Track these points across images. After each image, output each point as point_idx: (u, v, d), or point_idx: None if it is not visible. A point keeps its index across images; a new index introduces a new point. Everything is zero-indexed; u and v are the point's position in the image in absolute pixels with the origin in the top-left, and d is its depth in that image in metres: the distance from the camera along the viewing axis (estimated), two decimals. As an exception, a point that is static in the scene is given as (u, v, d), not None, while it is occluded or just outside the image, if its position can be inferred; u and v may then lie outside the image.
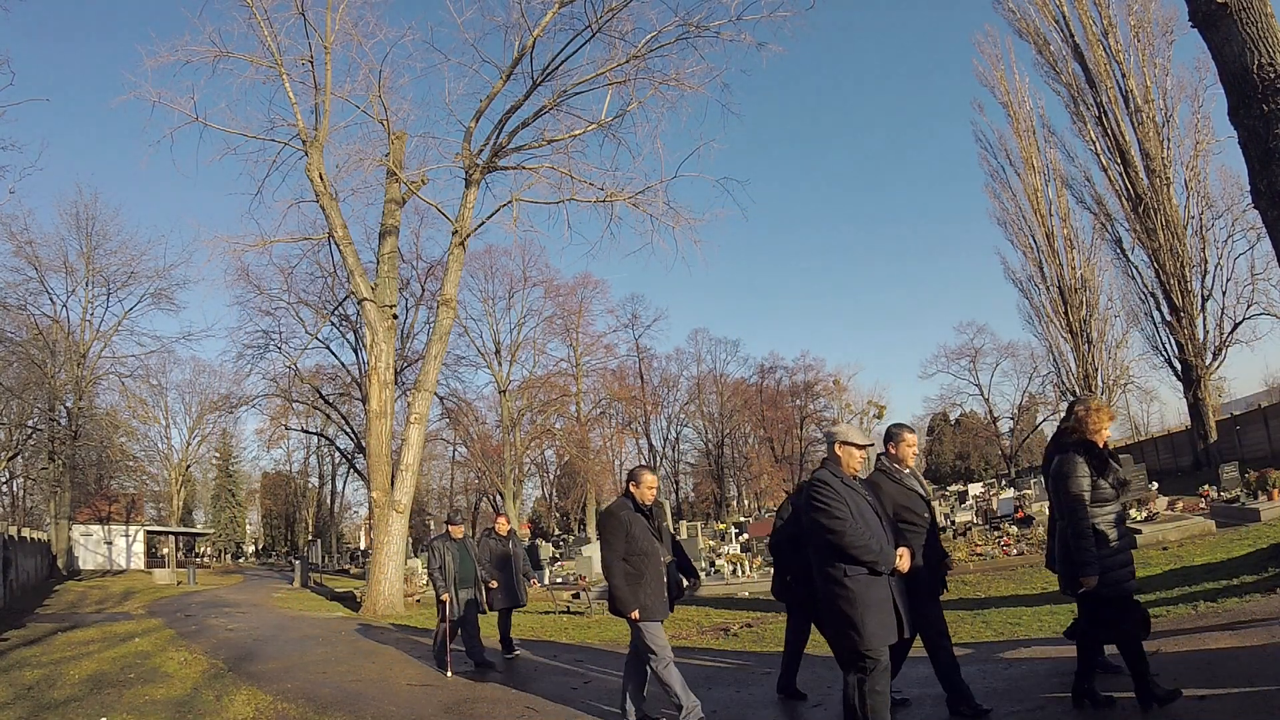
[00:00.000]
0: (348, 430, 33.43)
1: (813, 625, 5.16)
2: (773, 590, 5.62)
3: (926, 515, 4.45)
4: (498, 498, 40.47)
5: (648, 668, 4.76)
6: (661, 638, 4.71)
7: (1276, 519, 10.89)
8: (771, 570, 6.06)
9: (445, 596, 7.54)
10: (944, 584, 4.57)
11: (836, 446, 3.99)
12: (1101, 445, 4.03)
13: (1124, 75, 24.60)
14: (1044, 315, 29.68)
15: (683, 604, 11.84)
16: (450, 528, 8.15)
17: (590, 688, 6.30)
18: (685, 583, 5.28)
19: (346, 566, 36.88)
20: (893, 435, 4.66)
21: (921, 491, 4.56)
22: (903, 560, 3.84)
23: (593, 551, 19.50)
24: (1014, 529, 13.67)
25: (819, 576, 3.81)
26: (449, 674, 7.24)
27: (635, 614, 4.66)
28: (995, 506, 19.64)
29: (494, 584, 8.13)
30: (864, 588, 3.64)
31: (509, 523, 8.90)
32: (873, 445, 4.23)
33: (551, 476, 49.62)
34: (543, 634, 10.13)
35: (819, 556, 3.80)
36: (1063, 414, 4.68)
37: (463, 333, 37.51)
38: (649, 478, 5.01)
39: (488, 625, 8.36)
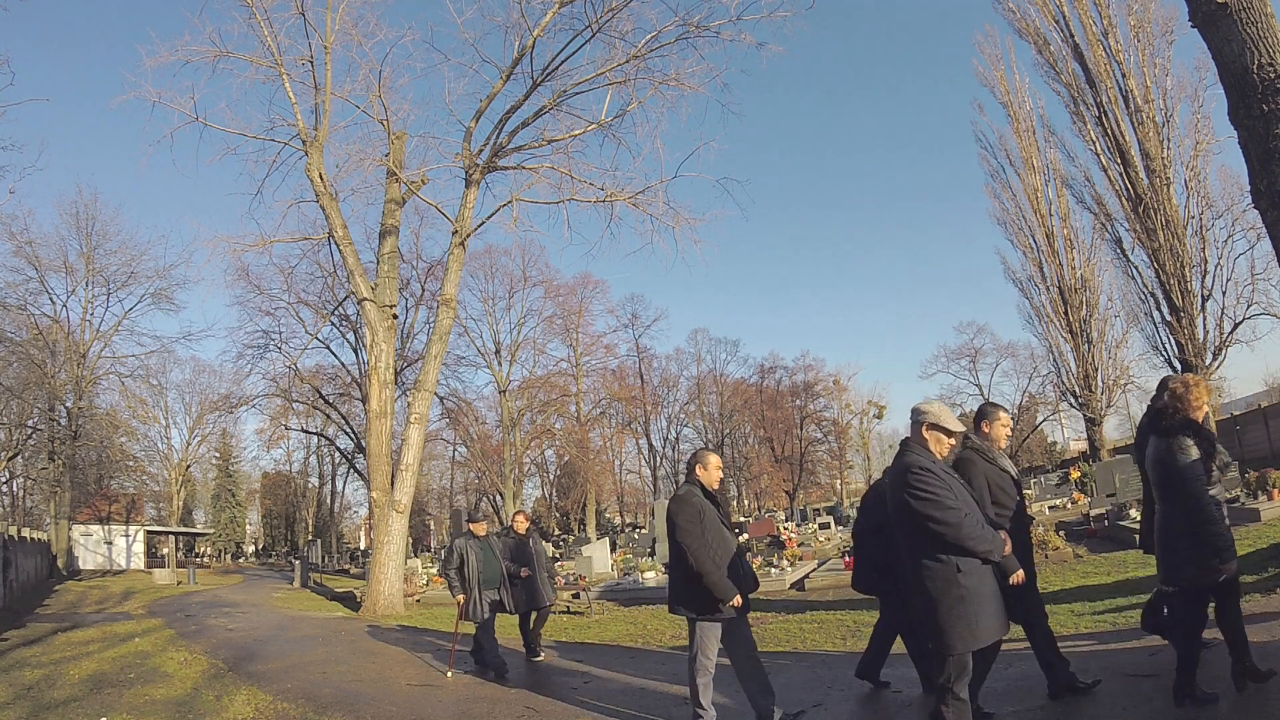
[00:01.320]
0: (348, 430, 33.44)
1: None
2: (854, 583, 5.37)
3: (1017, 498, 4.21)
4: (498, 498, 40.48)
5: (690, 664, 4.49)
6: (714, 645, 4.43)
7: (1276, 519, 10.88)
8: (849, 562, 5.92)
9: (460, 598, 7.30)
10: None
11: (925, 429, 3.65)
12: (1201, 421, 3.79)
13: (1124, 75, 24.59)
14: (1044, 315, 29.65)
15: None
16: (472, 525, 7.86)
17: (590, 688, 6.30)
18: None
19: (346, 566, 36.89)
20: (987, 414, 4.35)
21: (1013, 473, 4.32)
22: (1006, 546, 3.58)
23: (593, 551, 19.50)
24: (1014, 529, 13.64)
25: (919, 570, 3.50)
26: (449, 674, 7.14)
27: (738, 600, 4.33)
28: (995, 506, 19.64)
29: (525, 572, 7.81)
30: (977, 581, 3.39)
31: (528, 520, 8.65)
32: (964, 431, 3.96)
33: (551, 476, 49.63)
34: (542, 634, 10.11)
35: (921, 548, 3.47)
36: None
37: (463, 333, 37.57)
38: (715, 459, 4.66)
39: (507, 627, 8.14)
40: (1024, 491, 4.65)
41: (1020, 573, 3.75)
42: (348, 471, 44.94)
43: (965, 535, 3.35)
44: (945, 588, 3.38)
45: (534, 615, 8.09)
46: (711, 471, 4.58)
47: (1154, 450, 3.85)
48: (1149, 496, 4.12)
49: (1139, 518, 12.24)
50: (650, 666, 6.94)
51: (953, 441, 3.69)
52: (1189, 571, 3.67)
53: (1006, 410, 4.48)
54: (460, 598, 7.30)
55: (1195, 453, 3.66)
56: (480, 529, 7.79)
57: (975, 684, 3.60)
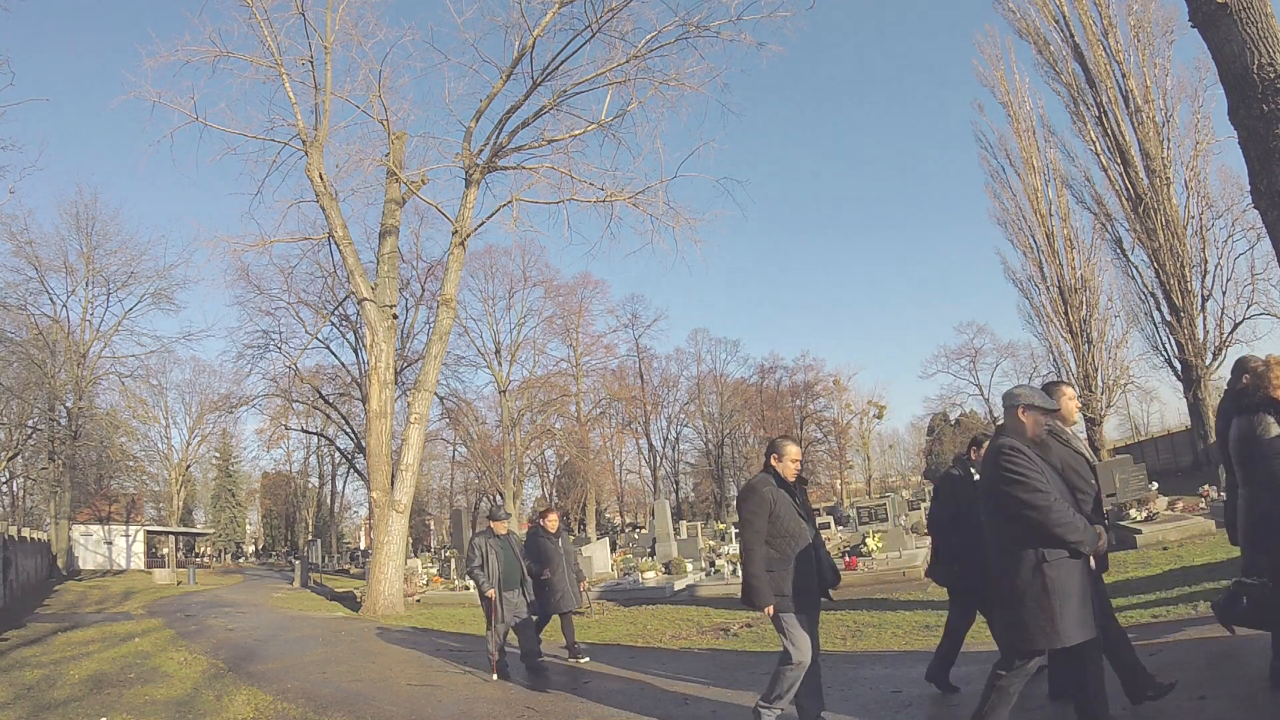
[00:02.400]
0: (348, 430, 33.45)
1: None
2: (928, 573, 5.15)
3: (1094, 482, 3.93)
4: (498, 498, 40.48)
5: (779, 663, 4.20)
6: (803, 637, 4.14)
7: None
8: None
9: (491, 593, 7.02)
10: (1105, 563, 4.10)
11: (1020, 411, 3.46)
12: None
13: (1124, 75, 24.61)
14: (1044, 315, 29.65)
15: (682, 604, 11.91)
16: (493, 523, 7.52)
17: (590, 687, 6.29)
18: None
19: (346, 566, 36.91)
20: (1051, 391, 4.06)
21: (1088, 455, 4.08)
22: (1102, 540, 3.35)
23: (593, 551, 19.49)
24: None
25: (1003, 559, 3.30)
26: (494, 676, 6.83)
27: (770, 609, 4.12)
28: (995, 506, 19.63)
29: (546, 574, 7.53)
30: (1064, 574, 3.16)
31: (558, 518, 8.27)
32: (1058, 410, 3.76)
33: (551, 476, 49.61)
34: (542, 635, 10.12)
35: (1008, 536, 3.28)
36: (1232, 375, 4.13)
37: (463, 333, 37.58)
38: (793, 449, 4.44)
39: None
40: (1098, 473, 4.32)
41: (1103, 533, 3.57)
42: (348, 471, 44.97)
43: (1054, 521, 3.14)
44: (1030, 578, 3.18)
45: (557, 619, 7.83)
46: (787, 463, 4.37)
47: (1237, 429, 3.75)
48: (1233, 483, 3.97)
49: (1139, 518, 12.25)
50: (651, 666, 6.94)
51: (1049, 421, 3.50)
52: (1261, 563, 3.49)
53: (1071, 385, 4.29)
54: (491, 592, 7.01)
55: (1276, 429, 3.57)
56: (502, 527, 7.49)
57: (1097, 686, 3.35)
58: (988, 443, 3.68)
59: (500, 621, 7.02)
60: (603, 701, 5.71)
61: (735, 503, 4.84)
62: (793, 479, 4.38)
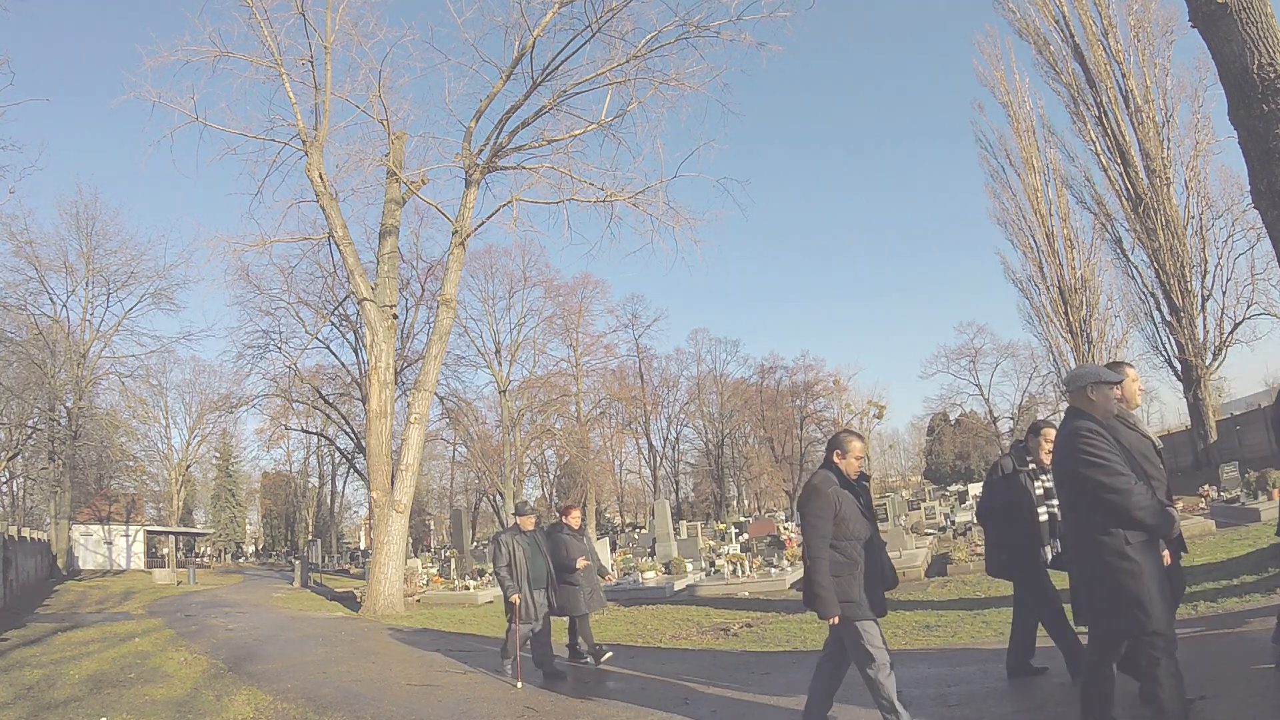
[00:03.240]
0: (348, 430, 33.46)
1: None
2: (989, 568, 5.01)
3: (1161, 466, 3.83)
4: (498, 497, 40.48)
5: (866, 672, 3.98)
6: (879, 638, 3.98)
7: (1276, 519, 10.87)
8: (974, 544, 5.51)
9: (515, 598, 6.77)
10: (1184, 544, 4.01)
11: (1089, 390, 3.33)
12: None
13: (1124, 75, 24.61)
14: (1044, 315, 29.70)
15: (682, 604, 11.90)
16: (520, 519, 7.27)
17: (590, 687, 6.29)
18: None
19: (346, 566, 36.91)
20: (1117, 370, 3.84)
21: (1155, 440, 3.98)
22: (1177, 524, 3.27)
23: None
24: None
25: (1085, 544, 3.21)
26: (519, 685, 6.51)
27: (834, 619, 3.93)
28: (995, 506, 19.64)
29: (583, 562, 7.24)
30: (1146, 557, 3.10)
31: (581, 515, 8.01)
32: (1123, 381, 3.65)
33: (551, 476, 49.63)
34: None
35: (1089, 521, 3.18)
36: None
37: (463, 333, 37.60)
38: (857, 445, 4.19)
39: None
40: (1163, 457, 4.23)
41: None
42: (348, 471, 45.00)
43: (1135, 504, 3.05)
44: (1115, 563, 3.10)
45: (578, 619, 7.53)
46: (851, 460, 4.13)
47: None
48: None
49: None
50: (651, 666, 6.94)
51: (1119, 393, 3.41)
52: None
53: (1133, 366, 4.13)
54: (515, 597, 6.79)
55: None
56: (529, 523, 7.24)
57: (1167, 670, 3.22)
58: (1054, 429, 3.57)
59: (524, 623, 6.80)
60: (603, 701, 5.71)
61: (796, 504, 4.51)
62: (855, 476, 4.16)
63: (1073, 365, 29.03)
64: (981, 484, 5.27)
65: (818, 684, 4.30)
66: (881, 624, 4.08)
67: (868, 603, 3.94)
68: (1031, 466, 4.78)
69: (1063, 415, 3.62)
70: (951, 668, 5.50)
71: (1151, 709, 3.54)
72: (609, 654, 7.24)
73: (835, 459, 4.16)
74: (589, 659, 7.24)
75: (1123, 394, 3.79)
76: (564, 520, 7.71)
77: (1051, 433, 4.64)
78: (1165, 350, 25.80)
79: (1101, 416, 3.32)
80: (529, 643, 7.00)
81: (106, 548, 34.96)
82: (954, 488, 35.86)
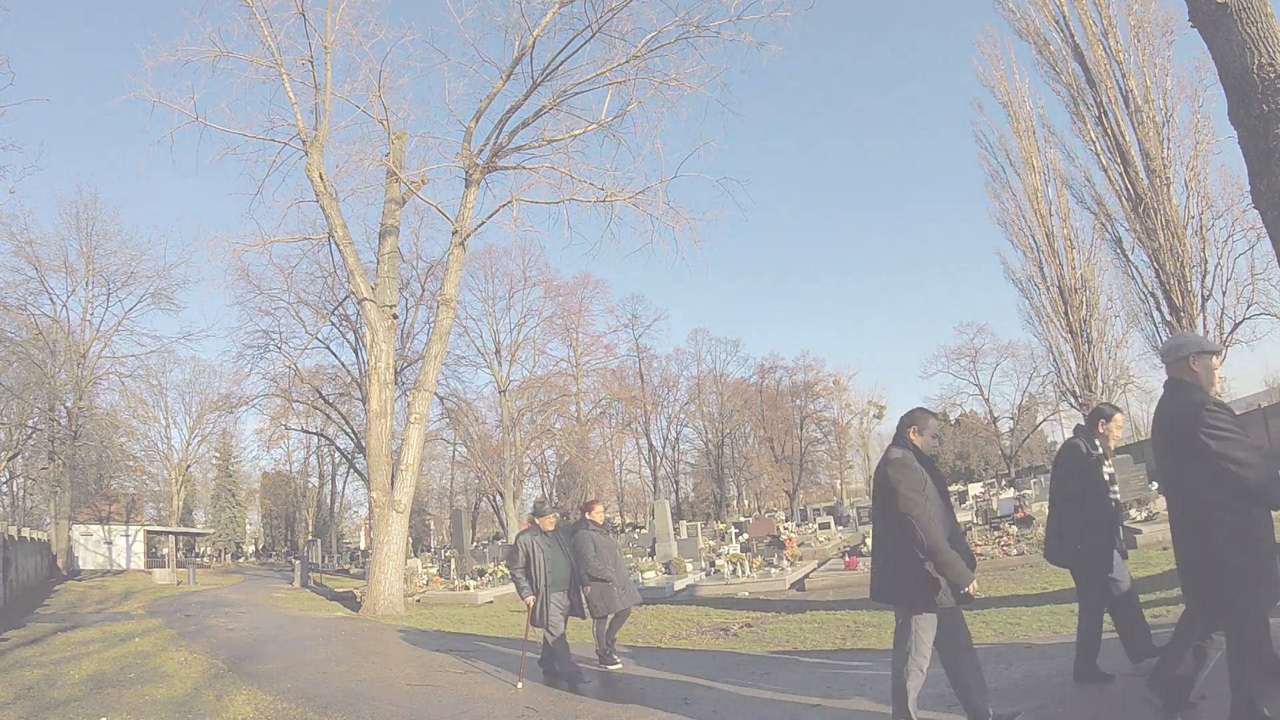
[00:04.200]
0: (348, 430, 33.46)
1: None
2: (1049, 555, 4.84)
3: None
4: (498, 498, 40.49)
5: (899, 665, 3.87)
6: (931, 641, 3.81)
7: (1276, 519, 10.86)
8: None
9: (530, 600, 6.67)
10: None
11: (1191, 360, 3.25)
12: None
13: (1124, 75, 24.59)
14: (1044, 315, 29.65)
15: (682, 604, 11.90)
16: (539, 520, 7.06)
17: (590, 687, 6.29)
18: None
19: (346, 566, 36.92)
20: (1195, 351, 3.62)
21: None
22: None
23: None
24: (1014, 529, 13.67)
25: (1209, 525, 3.11)
26: (519, 685, 6.42)
27: (974, 586, 3.68)
28: (995, 506, 19.70)
29: (610, 575, 6.96)
30: (1270, 533, 3.05)
31: (603, 509, 7.77)
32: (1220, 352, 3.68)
33: (551, 476, 49.64)
34: (529, 634, 10.12)
35: (1214, 497, 3.08)
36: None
37: (463, 333, 37.62)
38: (934, 422, 4.05)
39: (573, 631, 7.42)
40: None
41: None
42: (348, 471, 44.99)
43: (1266, 478, 2.97)
44: (1245, 543, 3.01)
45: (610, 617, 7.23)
46: (928, 437, 3.98)
47: None
48: None
49: (1139, 518, 12.26)
50: (651, 666, 6.94)
51: (1217, 363, 3.32)
52: None
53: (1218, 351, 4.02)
54: (530, 600, 6.67)
55: None
56: (549, 523, 7.06)
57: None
58: (1122, 413, 3.51)
59: (547, 626, 6.64)
60: (603, 701, 5.71)
61: (878, 481, 3.92)
62: (930, 454, 4.01)
63: (1073, 365, 29.05)
64: (1053, 466, 4.90)
65: (965, 674, 3.93)
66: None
67: (948, 591, 3.68)
68: (1099, 451, 4.67)
69: (1163, 388, 3.51)
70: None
71: (1158, 693, 3.49)
72: (619, 665, 6.97)
73: (912, 436, 4.00)
74: (602, 661, 7.02)
75: (1205, 378, 3.57)
76: (587, 516, 7.44)
77: (1121, 418, 4.69)
78: (1165, 350, 25.78)
79: (1206, 387, 3.24)
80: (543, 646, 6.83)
81: (106, 548, 34.97)
82: (954, 488, 35.76)
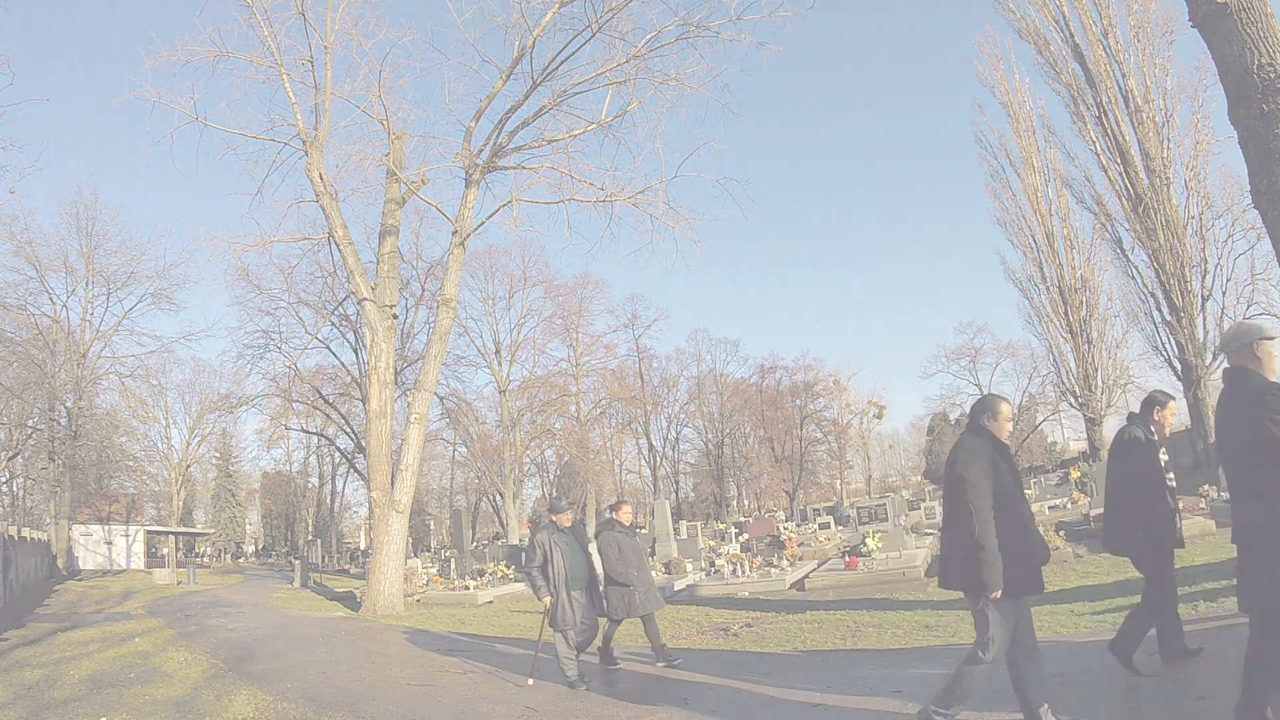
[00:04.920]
0: (348, 430, 33.46)
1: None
2: (1107, 545, 4.76)
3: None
4: (498, 498, 40.49)
5: (974, 653, 3.70)
6: (1006, 634, 3.64)
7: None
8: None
9: (547, 600, 6.48)
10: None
11: (1255, 346, 3.21)
12: None
13: (1124, 75, 24.61)
14: (1044, 315, 29.71)
15: (682, 604, 11.90)
16: (557, 516, 6.84)
17: (591, 687, 6.29)
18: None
19: (346, 566, 36.93)
20: (1258, 337, 3.59)
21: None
22: None
23: (593, 551, 19.50)
24: (1014, 529, 13.65)
25: (1266, 514, 3.04)
26: (530, 681, 6.30)
27: (999, 592, 3.54)
28: (995, 506, 19.65)
29: (633, 579, 6.76)
30: None
31: (632, 510, 7.56)
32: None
33: (551, 476, 49.66)
34: (544, 634, 10.12)
35: (1276, 487, 3.01)
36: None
37: (463, 333, 37.63)
38: (1006, 408, 3.90)
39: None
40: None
41: None
42: (348, 471, 44.99)
43: None
44: None
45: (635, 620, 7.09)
46: (1003, 423, 3.84)
47: None
48: None
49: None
50: (650, 664, 6.94)
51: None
52: None
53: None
54: (546, 600, 6.47)
55: None
56: (566, 520, 6.84)
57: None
58: (1174, 400, 3.46)
59: (561, 627, 6.43)
60: (604, 700, 5.71)
61: (950, 468, 3.69)
62: (1006, 441, 3.88)
63: (1073, 365, 29.06)
64: (1109, 452, 4.88)
65: (1024, 668, 3.79)
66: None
67: (1022, 581, 3.59)
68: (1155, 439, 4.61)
69: (1223, 379, 3.47)
70: (952, 667, 5.49)
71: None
72: (679, 660, 6.78)
73: (985, 422, 3.86)
74: (659, 661, 6.82)
75: (1268, 365, 3.55)
76: (614, 517, 7.24)
77: (1175, 405, 4.66)
78: (1165, 350, 25.80)
79: (1269, 374, 3.18)
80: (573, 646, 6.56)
81: (106, 548, 34.96)
82: (954, 488, 35.74)
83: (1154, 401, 4.72)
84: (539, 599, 6.59)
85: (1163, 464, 4.57)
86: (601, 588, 6.94)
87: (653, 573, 7.14)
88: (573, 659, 6.41)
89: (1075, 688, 4.50)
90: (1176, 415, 5.04)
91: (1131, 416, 4.77)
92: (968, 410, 4.18)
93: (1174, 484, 4.64)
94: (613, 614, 6.86)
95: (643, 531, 32.16)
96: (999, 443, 3.81)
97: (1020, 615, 3.71)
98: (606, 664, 6.99)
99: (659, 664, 6.77)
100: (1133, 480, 4.51)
